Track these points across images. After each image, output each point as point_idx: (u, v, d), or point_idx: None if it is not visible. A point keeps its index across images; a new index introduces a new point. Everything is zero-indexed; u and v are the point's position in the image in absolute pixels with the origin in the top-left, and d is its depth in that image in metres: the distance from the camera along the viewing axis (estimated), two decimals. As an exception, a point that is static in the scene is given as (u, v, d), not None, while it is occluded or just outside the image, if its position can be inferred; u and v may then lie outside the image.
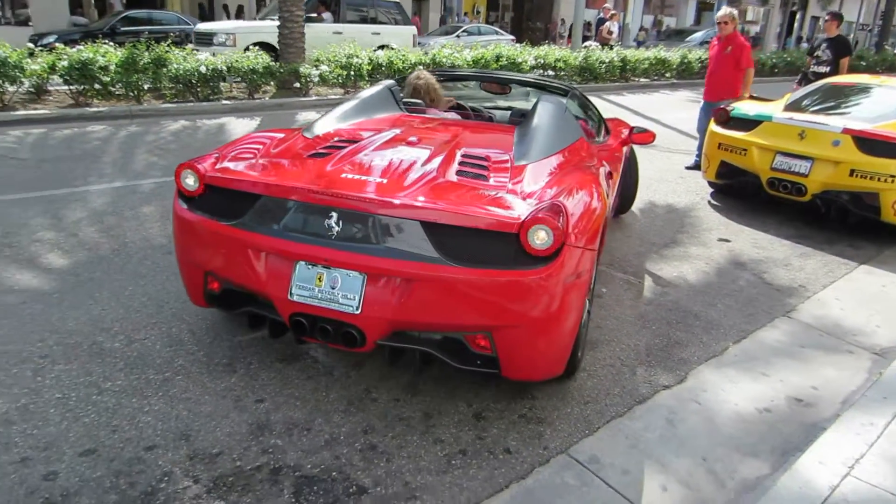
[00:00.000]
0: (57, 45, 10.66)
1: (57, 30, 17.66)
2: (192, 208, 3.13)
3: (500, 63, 14.84)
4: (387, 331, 2.78)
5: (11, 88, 9.61)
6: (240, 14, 25.96)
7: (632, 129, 5.51)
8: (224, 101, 11.19)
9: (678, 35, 27.08)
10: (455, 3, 29.59)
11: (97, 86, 10.04)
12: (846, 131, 5.79)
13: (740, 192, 6.96)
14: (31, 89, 10.12)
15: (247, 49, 12.75)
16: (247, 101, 11.47)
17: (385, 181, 2.91)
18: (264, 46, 13.25)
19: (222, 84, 11.61)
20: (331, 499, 2.43)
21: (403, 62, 13.35)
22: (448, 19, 29.21)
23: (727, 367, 3.62)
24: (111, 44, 10.79)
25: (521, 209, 2.70)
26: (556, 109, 3.91)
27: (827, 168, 5.86)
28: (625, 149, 5.38)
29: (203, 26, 15.08)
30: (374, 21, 16.73)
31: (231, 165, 3.18)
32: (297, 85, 12.21)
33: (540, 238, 2.58)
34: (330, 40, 13.83)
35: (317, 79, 12.32)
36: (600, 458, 2.75)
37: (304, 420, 2.89)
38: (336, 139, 3.61)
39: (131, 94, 10.43)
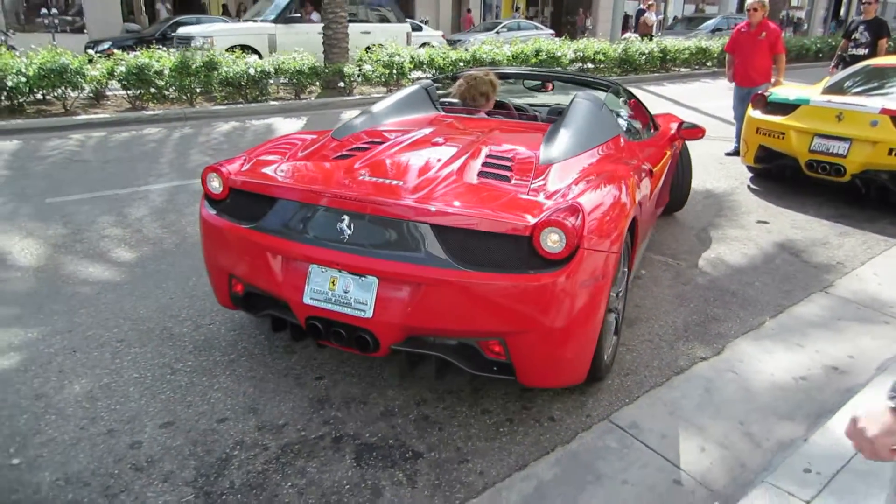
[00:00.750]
0: (114, 50, 11.14)
1: (111, 36, 18.31)
2: (216, 211, 3.17)
3: (539, 58, 14.95)
4: (400, 336, 2.74)
5: (73, 94, 10.11)
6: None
7: (681, 124, 5.33)
8: (272, 102, 11.55)
9: (691, 22, 26.46)
10: (494, 0, 29.68)
11: (152, 90, 10.53)
12: (884, 111, 5.79)
13: (779, 175, 6.99)
14: (91, 94, 10.62)
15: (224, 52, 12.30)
16: (293, 101, 11.80)
17: (402, 183, 2.87)
18: (244, 49, 13.06)
19: (270, 85, 11.95)
20: (389, 463, 2.64)
21: (444, 59, 13.55)
22: (488, 16, 29.37)
23: (764, 340, 3.74)
24: (164, 49, 11.24)
25: (535, 211, 2.62)
26: (590, 106, 3.78)
27: (866, 148, 5.87)
28: (675, 144, 5.28)
29: (183, 30, 14.91)
30: (363, 19, 16.27)
31: (254, 168, 3.19)
32: (342, 84, 12.51)
33: (553, 241, 2.50)
34: (317, 41, 13.33)
35: (360, 78, 12.59)
36: (640, 423, 2.91)
37: (361, 394, 3.10)
38: (363, 141, 3.57)
39: (184, 97, 10.89)
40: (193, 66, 10.71)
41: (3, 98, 9.46)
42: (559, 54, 15.22)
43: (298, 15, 14.85)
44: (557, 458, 2.68)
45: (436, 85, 4.58)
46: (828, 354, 3.59)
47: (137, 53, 10.58)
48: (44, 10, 19.79)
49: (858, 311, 4.16)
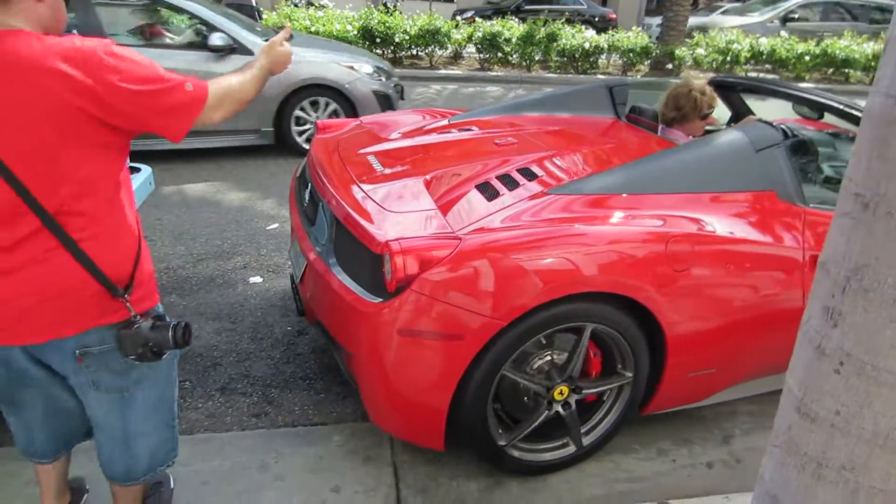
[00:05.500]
0: (476, 18, 12.98)
1: (474, 6, 20.71)
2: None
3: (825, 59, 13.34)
4: (314, 315, 2.73)
5: (438, 52, 12.17)
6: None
7: None
8: (599, 76, 12.47)
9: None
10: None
11: (499, 54, 12.12)
12: None
13: None
14: (451, 54, 12.63)
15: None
16: (619, 77, 12.55)
17: (384, 172, 2.76)
18: None
19: (601, 60, 12.88)
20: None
21: (788, 52, 13.03)
22: None
23: None
24: (516, 20, 12.77)
25: (419, 233, 2.23)
26: (729, 141, 2.65)
27: None
28: None
29: None
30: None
31: (329, 129, 3.42)
32: (670, 66, 12.93)
33: (388, 269, 2.12)
34: None
35: (690, 61, 12.77)
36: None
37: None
38: (457, 128, 3.41)
39: (524, 63, 12.32)
40: (537, 37, 12.05)
41: (389, 51, 11.71)
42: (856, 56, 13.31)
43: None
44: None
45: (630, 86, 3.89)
46: None
47: (493, 22, 12.20)
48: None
49: None
